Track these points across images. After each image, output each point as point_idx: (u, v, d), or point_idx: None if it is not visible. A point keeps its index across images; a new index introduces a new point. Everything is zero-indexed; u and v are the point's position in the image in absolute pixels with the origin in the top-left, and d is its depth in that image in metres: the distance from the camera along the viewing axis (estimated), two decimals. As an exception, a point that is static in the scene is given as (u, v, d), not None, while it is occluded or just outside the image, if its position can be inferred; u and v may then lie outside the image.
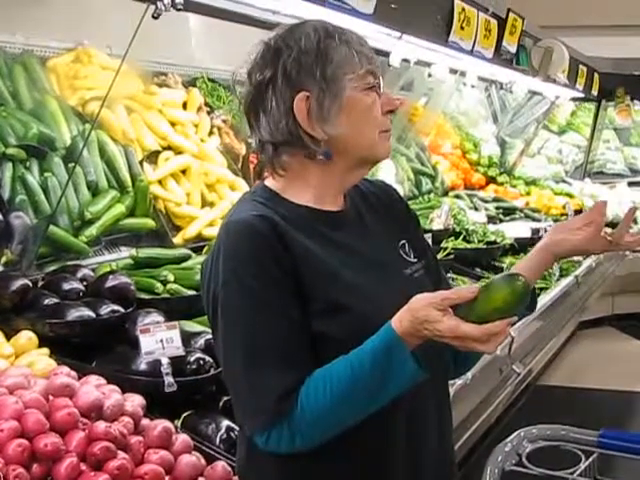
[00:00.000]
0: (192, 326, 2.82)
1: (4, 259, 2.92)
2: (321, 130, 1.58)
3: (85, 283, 2.85)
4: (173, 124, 4.08)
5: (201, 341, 2.61)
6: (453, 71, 5.80)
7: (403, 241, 1.73)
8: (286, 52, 1.58)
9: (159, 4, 2.62)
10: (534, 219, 6.38)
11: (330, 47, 1.58)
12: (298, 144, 1.60)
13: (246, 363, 1.51)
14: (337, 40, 1.59)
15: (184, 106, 4.26)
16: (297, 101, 1.57)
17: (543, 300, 4.90)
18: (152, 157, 3.88)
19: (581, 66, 7.55)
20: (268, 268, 1.52)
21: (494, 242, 5.27)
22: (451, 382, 1.97)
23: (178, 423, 2.30)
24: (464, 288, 1.48)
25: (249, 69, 1.63)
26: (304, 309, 1.53)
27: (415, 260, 1.73)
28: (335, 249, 1.61)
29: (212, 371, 2.46)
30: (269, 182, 1.68)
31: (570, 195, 7.67)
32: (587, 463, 2.02)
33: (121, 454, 1.95)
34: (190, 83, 4.49)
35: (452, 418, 1.81)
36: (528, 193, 7.48)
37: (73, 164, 3.28)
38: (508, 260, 5.27)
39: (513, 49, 5.46)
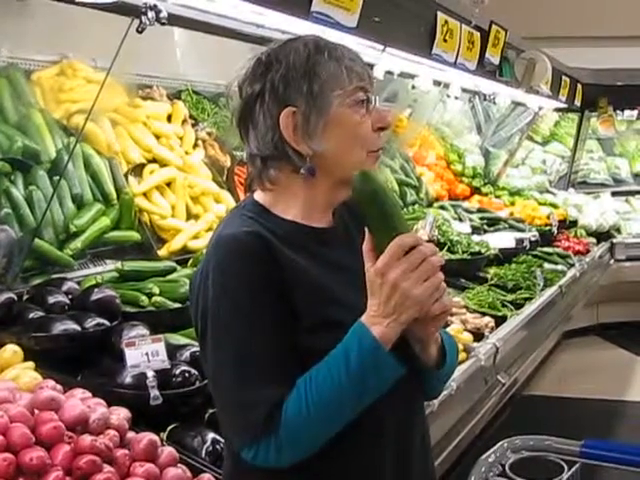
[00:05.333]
0: (177, 339, 2.82)
1: (-11, 273, 2.92)
2: (306, 146, 1.59)
3: (70, 296, 2.85)
4: (158, 137, 4.07)
5: (186, 354, 2.61)
6: (437, 83, 5.83)
7: None
8: (275, 67, 1.59)
9: (143, 18, 2.62)
10: (518, 229, 6.39)
11: (318, 63, 1.59)
12: (284, 159, 1.61)
13: (234, 379, 1.51)
14: (326, 56, 1.60)
15: (169, 119, 4.26)
16: (283, 116, 1.58)
17: (528, 310, 4.92)
18: (137, 170, 3.88)
19: (564, 77, 7.59)
20: (257, 284, 1.52)
21: (478, 253, 5.29)
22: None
23: (164, 436, 2.30)
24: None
25: (240, 82, 1.64)
26: (293, 323, 1.53)
27: None
28: (323, 265, 1.62)
29: (197, 384, 2.46)
30: (258, 196, 1.69)
31: (554, 205, 7.70)
32: (570, 473, 2.03)
33: (107, 467, 1.94)
34: (175, 96, 4.49)
35: (430, 441, 1.81)
36: (512, 203, 7.49)
37: (58, 177, 3.27)
38: (493, 270, 5.29)
39: (496, 61, 5.49)
